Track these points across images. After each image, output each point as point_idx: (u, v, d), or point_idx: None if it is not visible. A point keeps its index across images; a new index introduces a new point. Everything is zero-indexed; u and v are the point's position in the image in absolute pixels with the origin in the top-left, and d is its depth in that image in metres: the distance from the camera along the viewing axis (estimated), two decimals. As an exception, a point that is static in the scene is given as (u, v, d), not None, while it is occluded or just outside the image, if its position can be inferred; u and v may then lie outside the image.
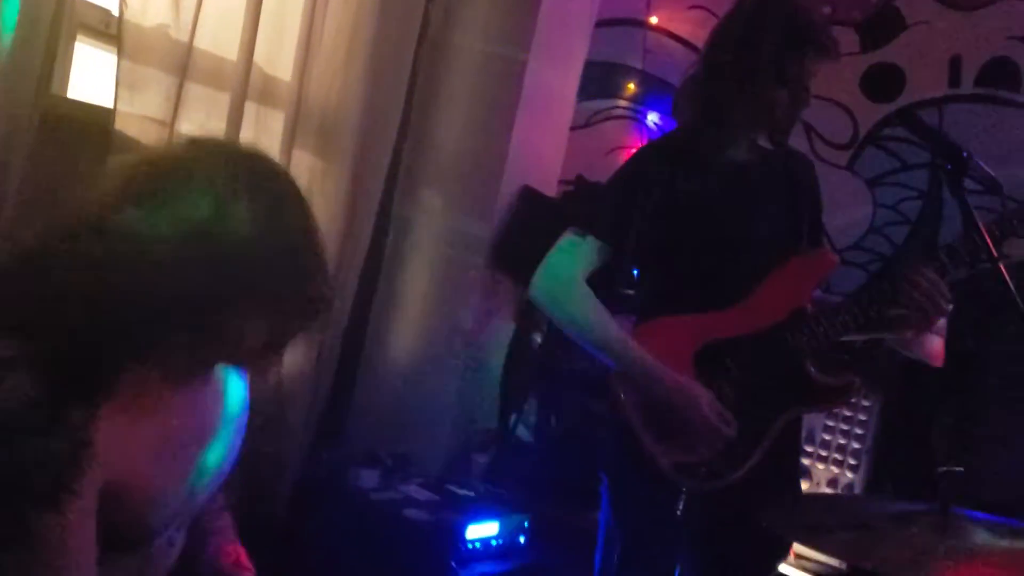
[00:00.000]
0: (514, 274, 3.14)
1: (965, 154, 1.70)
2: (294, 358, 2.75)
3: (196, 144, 1.27)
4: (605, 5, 3.59)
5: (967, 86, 3.20)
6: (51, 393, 1.10)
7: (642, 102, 3.68)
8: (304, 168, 2.71)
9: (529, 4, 3.24)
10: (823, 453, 2.86)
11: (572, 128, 3.62)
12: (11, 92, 1.97)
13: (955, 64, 3.22)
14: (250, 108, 2.48)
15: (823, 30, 2.02)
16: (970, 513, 1.52)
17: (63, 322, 1.12)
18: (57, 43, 2.12)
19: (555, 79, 3.43)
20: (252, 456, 2.67)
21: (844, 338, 1.96)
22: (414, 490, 2.76)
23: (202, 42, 2.29)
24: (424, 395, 3.19)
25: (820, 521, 1.54)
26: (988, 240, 1.71)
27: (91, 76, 2.30)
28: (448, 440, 3.18)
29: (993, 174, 1.73)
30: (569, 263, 1.98)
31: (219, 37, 2.37)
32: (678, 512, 1.87)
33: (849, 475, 2.83)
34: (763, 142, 2.08)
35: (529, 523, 2.74)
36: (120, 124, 2.15)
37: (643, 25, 3.65)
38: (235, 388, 1.45)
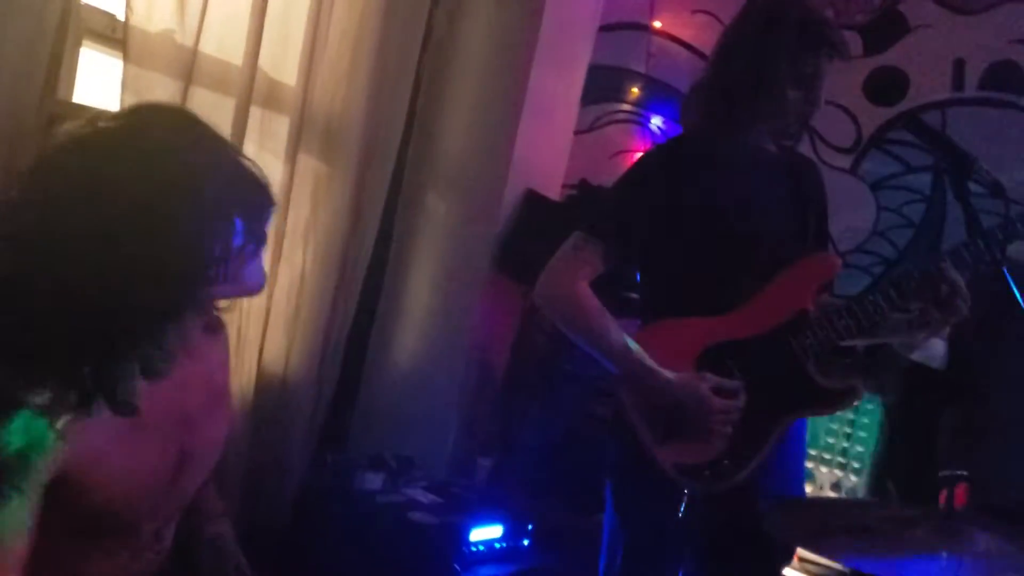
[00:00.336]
0: (518, 278, 3.15)
1: (969, 157, 1.70)
2: (299, 360, 2.76)
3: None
4: (609, 9, 3.59)
5: (970, 89, 3.20)
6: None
7: (646, 106, 3.68)
8: (309, 173, 2.72)
9: (533, 9, 3.25)
10: (826, 456, 2.87)
11: (576, 132, 3.62)
12: (17, 96, 1.98)
13: (958, 67, 3.22)
14: (255, 113, 2.48)
15: (835, 29, 2.03)
16: (974, 517, 1.53)
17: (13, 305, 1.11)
18: (63, 48, 2.12)
19: (559, 83, 3.43)
20: (256, 459, 2.69)
21: (847, 343, 1.96)
22: (418, 493, 2.76)
23: (207, 47, 2.30)
24: (428, 398, 3.20)
25: (823, 525, 1.54)
26: (992, 243, 1.71)
27: (97, 81, 2.30)
28: (452, 443, 3.18)
29: (997, 177, 1.73)
30: (572, 267, 1.98)
31: (224, 42, 2.38)
32: (679, 514, 1.87)
33: (852, 478, 2.83)
34: (770, 145, 2.08)
35: (533, 526, 2.74)
36: (125, 128, 2.16)
37: (647, 29, 3.65)
38: (220, 364, 1.44)
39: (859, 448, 2.83)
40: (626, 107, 3.70)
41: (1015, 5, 3.15)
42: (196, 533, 1.55)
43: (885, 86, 3.32)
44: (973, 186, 1.70)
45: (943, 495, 2.07)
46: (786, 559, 2.30)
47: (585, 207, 3.11)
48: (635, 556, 1.98)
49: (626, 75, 3.68)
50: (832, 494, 2.83)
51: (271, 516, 2.68)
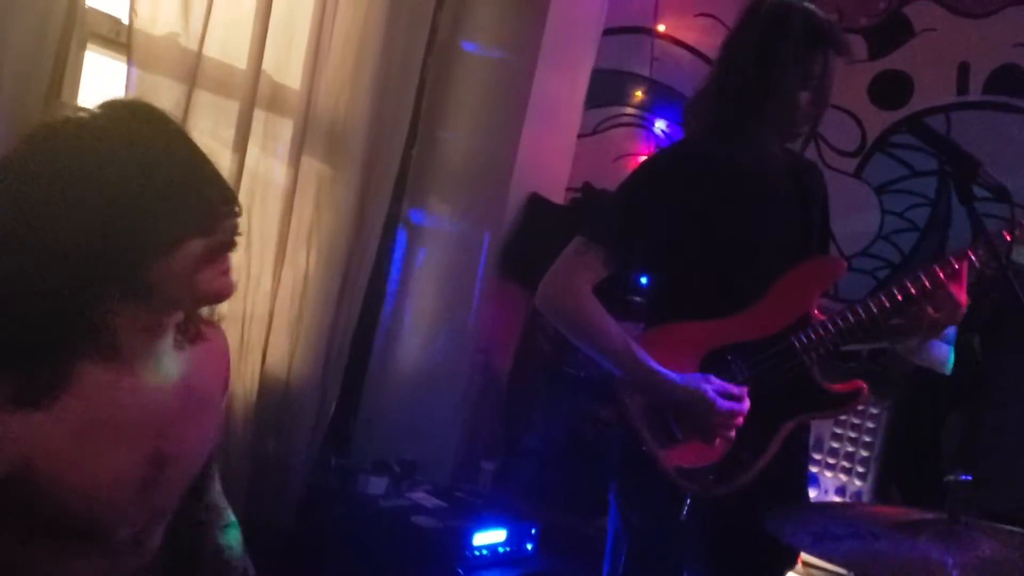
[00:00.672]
0: (522, 281, 3.14)
1: (973, 161, 1.70)
2: (302, 364, 2.76)
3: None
4: (612, 13, 3.60)
5: (975, 93, 3.20)
6: None
7: (649, 109, 3.68)
8: (313, 175, 2.72)
9: (537, 12, 3.26)
10: (831, 460, 2.86)
11: (579, 135, 3.62)
12: (21, 99, 1.98)
13: (963, 71, 3.21)
14: (259, 116, 2.48)
15: (838, 29, 2.03)
16: (979, 522, 1.52)
17: None
18: (67, 51, 2.12)
19: (563, 86, 3.44)
20: (260, 463, 2.68)
21: (850, 347, 1.95)
22: (422, 497, 2.76)
23: (211, 50, 2.30)
24: (432, 402, 3.19)
25: (828, 529, 1.54)
26: (996, 247, 1.71)
27: (101, 84, 2.30)
28: (456, 447, 3.18)
29: (1001, 181, 1.72)
30: (575, 272, 1.97)
31: (228, 45, 2.38)
32: (682, 517, 1.86)
33: (857, 483, 2.82)
34: (775, 148, 2.07)
35: (536, 530, 2.74)
36: (129, 132, 2.16)
37: (651, 33, 3.65)
38: (204, 372, 1.40)
39: (864, 452, 2.82)
40: (630, 111, 3.69)
41: (1020, 9, 3.15)
42: (200, 544, 1.51)
43: (890, 90, 3.31)
44: (978, 190, 1.69)
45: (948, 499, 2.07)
46: (790, 564, 2.29)
47: (587, 212, 3.10)
48: (638, 560, 1.98)
49: (630, 79, 3.68)
50: (837, 498, 2.82)
51: (275, 520, 2.67)
